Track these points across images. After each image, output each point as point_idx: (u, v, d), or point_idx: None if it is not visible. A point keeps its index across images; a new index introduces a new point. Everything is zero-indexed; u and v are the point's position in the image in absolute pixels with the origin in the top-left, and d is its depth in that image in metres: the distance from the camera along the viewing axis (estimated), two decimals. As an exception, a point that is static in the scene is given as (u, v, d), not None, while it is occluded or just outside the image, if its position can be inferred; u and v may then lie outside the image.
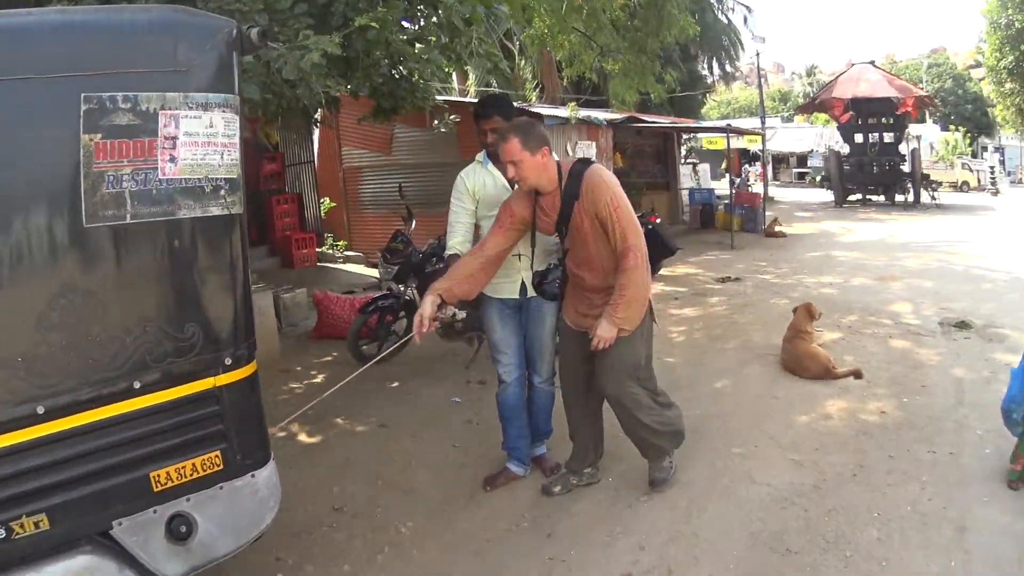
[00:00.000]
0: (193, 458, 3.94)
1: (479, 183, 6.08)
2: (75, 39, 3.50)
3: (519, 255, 5.92)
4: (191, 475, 3.93)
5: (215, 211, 3.84)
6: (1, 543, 3.45)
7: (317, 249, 18.90)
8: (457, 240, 6.02)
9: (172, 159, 3.64)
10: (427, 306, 5.34)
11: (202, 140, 3.74)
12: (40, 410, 3.48)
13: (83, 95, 3.41)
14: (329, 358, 10.40)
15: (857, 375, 8.65)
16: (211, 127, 3.76)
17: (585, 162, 5.54)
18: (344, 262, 19.22)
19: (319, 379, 9.53)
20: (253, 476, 4.16)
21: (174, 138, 3.64)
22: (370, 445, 7.42)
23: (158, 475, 3.84)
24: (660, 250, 6.21)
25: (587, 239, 5.50)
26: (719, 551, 5.29)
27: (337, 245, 19.85)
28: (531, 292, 6.03)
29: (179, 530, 3.88)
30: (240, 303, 4.09)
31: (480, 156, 6.22)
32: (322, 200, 20.39)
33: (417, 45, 8.57)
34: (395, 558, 5.48)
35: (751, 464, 6.57)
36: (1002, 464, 6.14)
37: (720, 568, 5.10)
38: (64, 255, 3.51)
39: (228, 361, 4.00)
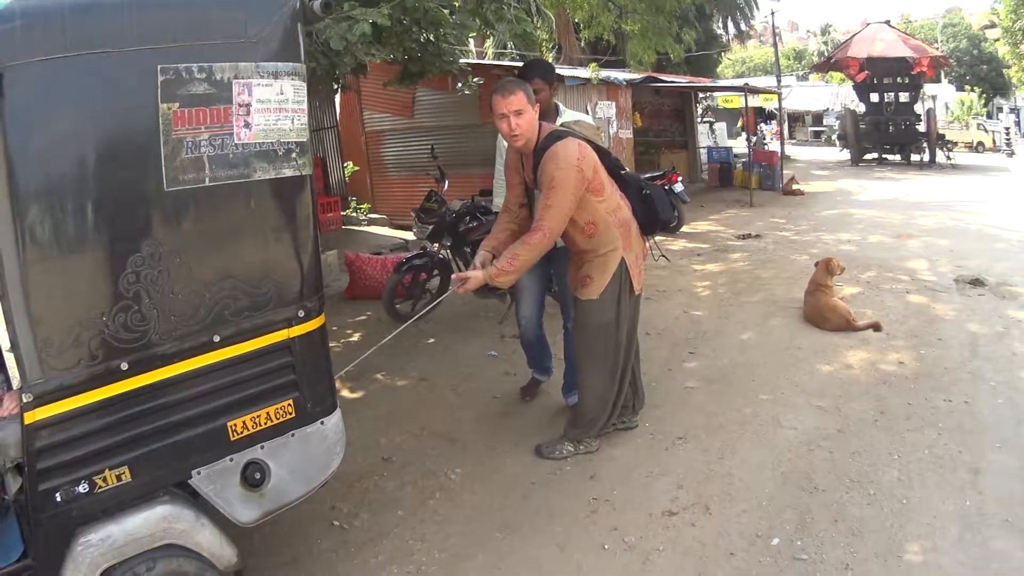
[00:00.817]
0: (267, 407, 4.13)
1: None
2: (151, 14, 3.62)
3: None
4: (265, 424, 4.13)
5: (288, 172, 4.02)
6: (84, 497, 3.63)
7: (342, 212, 18.83)
8: (501, 199, 6.39)
9: (247, 125, 3.82)
10: (478, 261, 5.63)
11: (274, 107, 3.91)
12: (124, 366, 3.65)
13: (160, 67, 3.56)
14: (363, 317, 10.52)
15: (876, 328, 8.85)
16: (281, 94, 3.93)
17: (558, 135, 5.58)
18: (368, 224, 19.19)
19: (355, 338, 9.67)
20: (322, 423, 4.36)
21: (248, 105, 3.82)
22: (412, 398, 7.62)
23: (235, 425, 4.03)
24: (651, 222, 6.20)
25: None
26: (752, 489, 5.56)
27: (361, 208, 19.83)
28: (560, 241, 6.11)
29: (254, 477, 4.09)
30: (311, 258, 4.26)
31: None
32: (345, 164, 20.36)
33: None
34: (446, 502, 5.68)
35: (778, 410, 6.84)
36: (1015, 413, 6.43)
37: (754, 504, 5.38)
38: (146, 218, 3.68)
39: (300, 314, 4.19)
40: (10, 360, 3.42)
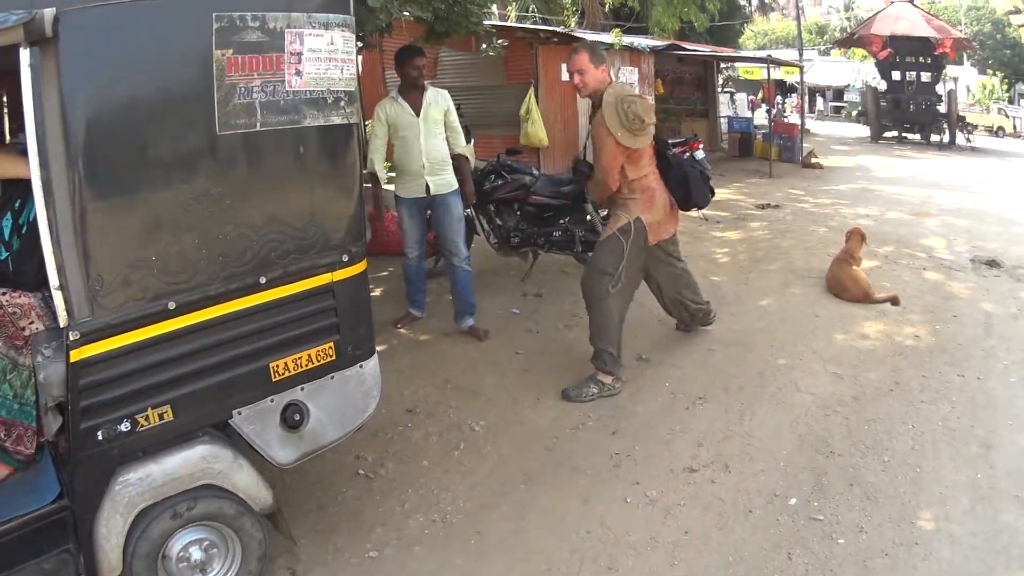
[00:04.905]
0: (309, 349, 4.23)
1: (391, 113, 7.74)
2: (206, -37, 3.67)
3: (423, 164, 7.72)
4: (306, 365, 4.23)
5: (336, 120, 4.12)
6: (125, 435, 3.71)
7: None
8: (378, 157, 7.94)
9: (298, 73, 3.91)
10: None
11: (324, 56, 4.01)
12: (171, 305, 3.73)
13: (215, 14, 3.62)
14: (384, 273, 10.54)
15: (894, 301, 8.93)
16: (332, 44, 4.03)
17: (604, 99, 6.39)
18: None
19: (377, 292, 9.68)
20: (361, 367, 4.46)
21: (299, 54, 3.90)
22: (435, 352, 7.71)
23: (277, 366, 4.13)
24: (685, 202, 7.14)
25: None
26: (770, 450, 5.70)
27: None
28: (435, 191, 7.83)
29: (293, 418, 4.19)
30: (355, 205, 4.37)
31: (393, 93, 7.88)
32: (367, 123, 20.24)
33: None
34: (470, 453, 5.80)
35: (796, 375, 6.97)
36: (1028, 392, 6.48)
37: (772, 465, 5.52)
38: (198, 160, 3.76)
39: (344, 258, 4.29)
40: (58, 298, 3.46)
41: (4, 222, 4.20)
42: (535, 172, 9.94)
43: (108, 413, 3.67)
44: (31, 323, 4.04)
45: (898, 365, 7.19)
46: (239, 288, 3.95)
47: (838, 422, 6.09)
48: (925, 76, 32.93)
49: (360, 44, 14.74)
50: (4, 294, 4.04)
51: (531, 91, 16.59)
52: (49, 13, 3.17)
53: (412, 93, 7.75)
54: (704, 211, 9.12)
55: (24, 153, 3.44)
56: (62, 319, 3.49)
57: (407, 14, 8.56)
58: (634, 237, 6.56)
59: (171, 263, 3.71)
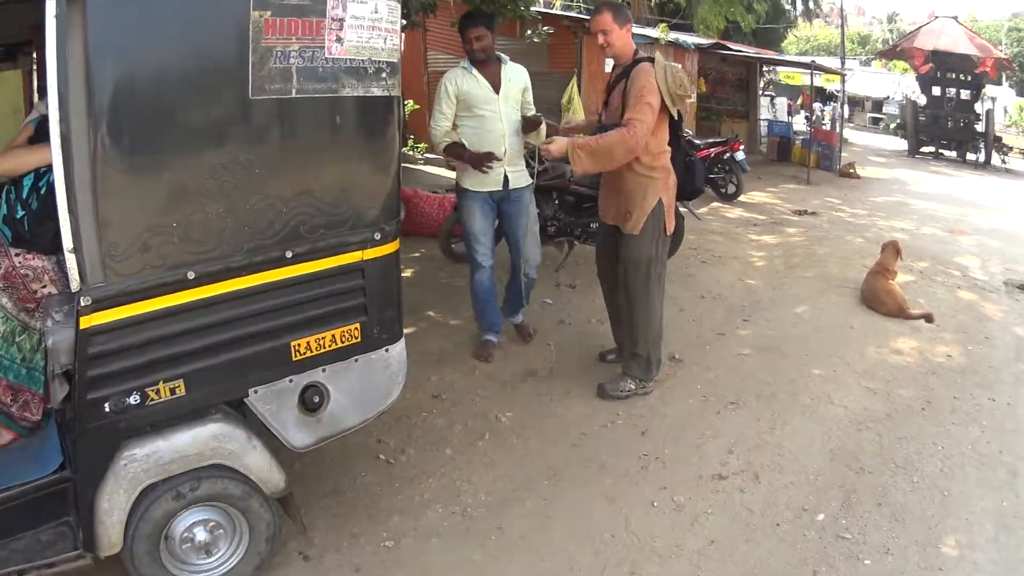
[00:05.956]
0: (333, 329, 4.08)
1: (464, 86, 6.67)
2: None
3: (504, 150, 6.68)
4: (329, 346, 4.08)
5: (376, 92, 3.96)
6: (134, 408, 3.55)
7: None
8: (443, 129, 6.78)
9: (339, 39, 3.74)
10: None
11: (367, 24, 3.83)
12: (190, 275, 3.56)
13: None
14: (417, 255, 10.48)
15: (928, 319, 8.77)
16: (376, 12, 3.86)
17: (648, 59, 6.04)
18: (425, 164, 19.24)
19: (408, 274, 9.58)
20: (387, 351, 4.32)
21: (341, 20, 3.73)
22: (465, 339, 7.56)
23: (298, 344, 3.98)
24: (685, 186, 6.65)
25: (612, 114, 6.21)
26: (801, 462, 5.59)
27: (418, 147, 19.79)
28: (513, 184, 6.83)
29: (312, 400, 4.03)
30: (392, 182, 4.21)
31: (464, 63, 6.76)
32: (405, 103, 20.30)
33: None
34: (495, 445, 5.68)
35: (829, 386, 6.84)
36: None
37: (802, 478, 5.39)
38: (228, 125, 3.59)
39: (376, 236, 4.14)
40: (71, 261, 3.30)
41: (25, 179, 4.07)
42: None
43: (117, 384, 3.51)
44: (43, 287, 3.96)
45: (930, 384, 7.08)
46: (263, 261, 3.78)
47: (870, 438, 5.98)
48: (964, 93, 32.62)
49: (404, 22, 14.73)
50: (18, 255, 3.96)
51: (573, 80, 16.45)
52: (78, -40, 3.01)
53: (487, 65, 6.71)
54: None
55: (42, 135, 3.38)
56: (74, 283, 3.32)
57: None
58: (663, 221, 6.22)
59: (193, 231, 3.53)
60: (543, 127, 6.86)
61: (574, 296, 8.14)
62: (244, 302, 3.79)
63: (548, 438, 5.80)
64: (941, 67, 31.70)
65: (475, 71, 6.66)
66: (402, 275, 9.19)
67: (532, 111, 6.95)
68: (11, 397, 3.92)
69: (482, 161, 6.51)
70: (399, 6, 4.04)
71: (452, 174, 16.82)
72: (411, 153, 19.52)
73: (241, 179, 3.61)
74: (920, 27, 35.15)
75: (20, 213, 4.04)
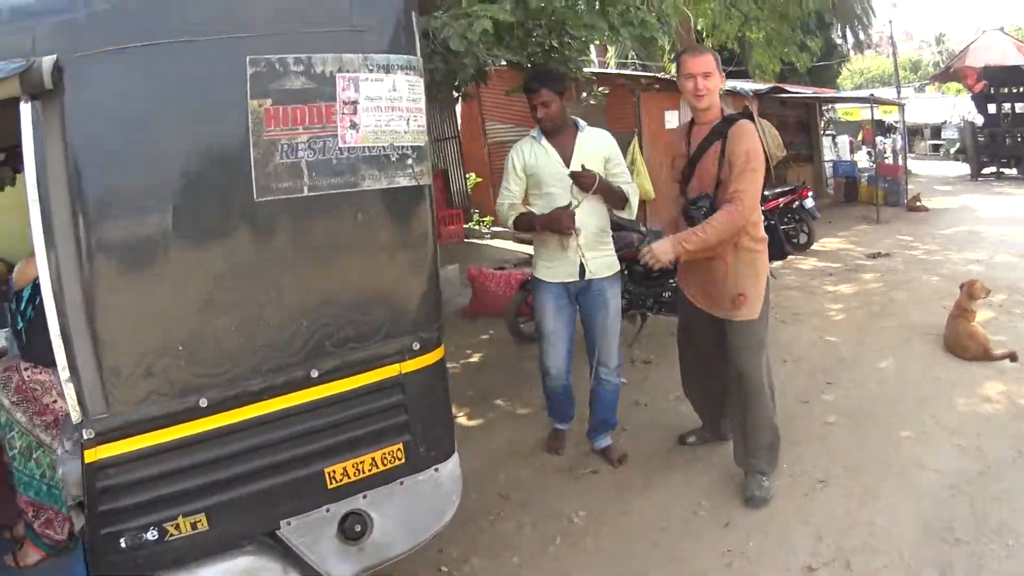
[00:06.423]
0: (373, 452, 3.72)
1: (531, 159, 5.86)
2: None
3: (576, 233, 5.74)
4: (370, 471, 3.73)
5: (402, 182, 3.61)
6: (153, 544, 3.27)
7: (464, 225, 18.84)
8: (508, 207, 5.97)
9: (353, 125, 3.42)
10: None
11: (385, 105, 3.51)
12: (203, 403, 3.28)
13: (249, 58, 3.21)
14: (485, 336, 10.23)
15: (1012, 358, 8.29)
16: (394, 91, 3.53)
17: (744, 116, 5.39)
18: (492, 238, 19.13)
19: (475, 358, 9.35)
20: (436, 470, 3.94)
21: (354, 103, 3.43)
22: (534, 429, 7.17)
23: (333, 471, 3.63)
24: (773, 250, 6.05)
25: (705, 182, 5.46)
26: (893, 541, 5.17)
27: (483, 221, 19.74)
28: (590, 274, 5.89)
29: (353, 529, 3.69)
30: (429, 282, 3.85)
31: (534, 132, 5.96)
32: (467, 176, 20.35)
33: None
34: (568, 548, 5.31)
35: (920, 449, 6.40)
36: None
37: (895, 559, 4.99)
38: (232, 232, 3.33)
39: (416, 346, 3.77)
40: (69, 390, 3.05)
41: (26, 290, 4.06)
42: (642, 229, 9.45)
43: (131, 519, 3.24)
44: (54, 401, 3.92)
45: (1021, 431, 6.59)
46: (286, 383, 3.44)
47: (963, 503, 5.52)
48: (1020, 107, 32.00)
49: (456, 95, 14.55)
50: (27, 369, 3.92)
51: (635, 140, 16.05)
52: (48, 61, 2.81)
53: (559, 134, 5.83)
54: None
55: None
56: (74, 415, 3.07)
57: (496, 56, 7.92)
58: (769, 298, 5.67)
59: (202, 352, 3.27)
60: (634, 199, 5.98)
61: (650, 372, 7.73)
62: (267, 429, 3.48)
63: (625, 538, 5.40)
64: (994, 82, 31.14)
65: (544, 141, 5.85)
66: (470, 360, 8.95)
67: (628, 181, 6.02)
68: (33, 513, 3.83)
69: (561, 222, 5.64)
70: (422, 81, 3.67)
71: (521, 247, 16.70)
72: (476, 228, 19.53)
73: (252, 291, 3.35)
74: (969, 44, 34.63)
75: (20, 324, 4.01)
